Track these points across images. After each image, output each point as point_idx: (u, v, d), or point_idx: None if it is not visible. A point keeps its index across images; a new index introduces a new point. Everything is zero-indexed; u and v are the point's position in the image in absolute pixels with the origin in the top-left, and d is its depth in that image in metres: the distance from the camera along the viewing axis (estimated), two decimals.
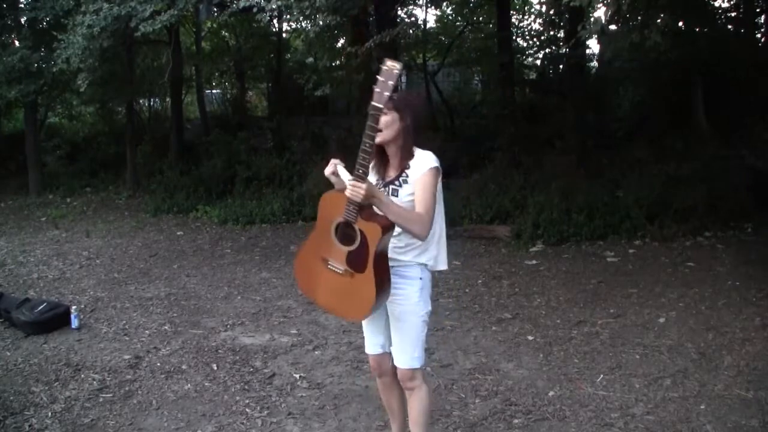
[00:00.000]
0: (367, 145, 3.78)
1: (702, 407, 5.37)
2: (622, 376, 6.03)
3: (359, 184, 3.76)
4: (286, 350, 6.93)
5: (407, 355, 4.21)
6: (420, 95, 4.28)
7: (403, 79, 23.25)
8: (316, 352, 6.85)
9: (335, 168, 4.14)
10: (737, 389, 5.68)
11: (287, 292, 9.00)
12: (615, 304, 8.04)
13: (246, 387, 6.07)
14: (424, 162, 4.05)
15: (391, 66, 3.71)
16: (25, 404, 5.82)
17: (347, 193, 3.80)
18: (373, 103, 3.74)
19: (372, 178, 4.13)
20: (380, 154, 4.16)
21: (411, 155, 4.11)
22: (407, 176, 4.08)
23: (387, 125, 4.00)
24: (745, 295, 8.06)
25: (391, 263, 4.07)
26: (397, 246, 4.13)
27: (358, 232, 3.91)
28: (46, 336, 7.48)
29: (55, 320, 7.72)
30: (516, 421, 5.28)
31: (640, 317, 7.53)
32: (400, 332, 4.20)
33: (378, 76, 3.72)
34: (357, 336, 7.03)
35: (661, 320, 7.38)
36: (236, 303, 8.68)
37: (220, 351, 6.97)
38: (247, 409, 5.62)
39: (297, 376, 6.27)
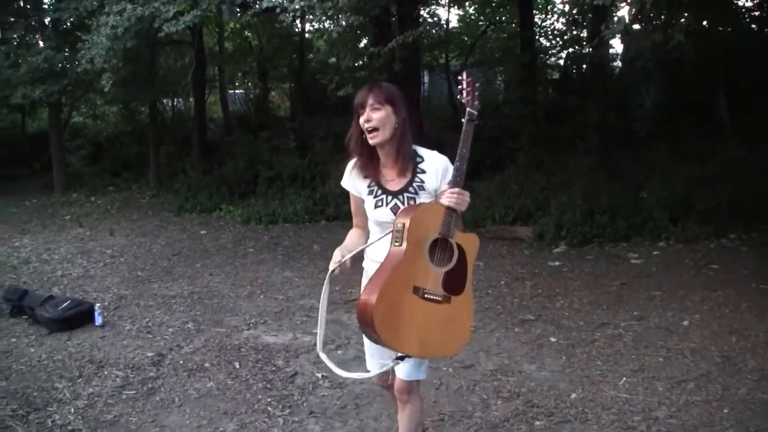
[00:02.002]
0: (464, 151, 3.50)
1: (725, 411, 5.33)
2: (645, 379, 5.99)
3: (463, 191, 3.50)
4: (308, 349, 6.93)
5: (415, 366, 3.94)
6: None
7: (426, 79, 23.25)
8: (338, 352, 6.85)
9: (344, 261, 3.77)
10: (760, 393, 5.63)
11: (310, 292, 9.01)
12: (638, 306, 8.00)
13: (268, 386, 6.08)
14: (444, 165, 3.78)
15: (470, 74, 3.64)
16: (48, 400, 5.84)
17: (450, 203, 3.46)
18: (470, 109, 3.54)
19: (358, 182, 3.93)
20: (370, 154, 3.85)
21: (413, 155, 3.84)
22: (422, 182, 3.78)
23: (382, 122, 3.70)
24: None
25: None
26: None
27: (456, 248, 3.54)
28: (69, 333, 7.53)
29: (79, 317, 7.76)
30: (538, 423, 5.26)
31: (663, 320, 7.48)
32: None
33: (462, 87, 3.60)
34: None
35: (685, 323, 7.34)
36: (259, 302, 8.71)
37: (242, 349, 6.98)
38: (269, 408, 5.62)
39: (319, 375, 6.26)
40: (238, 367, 6.53)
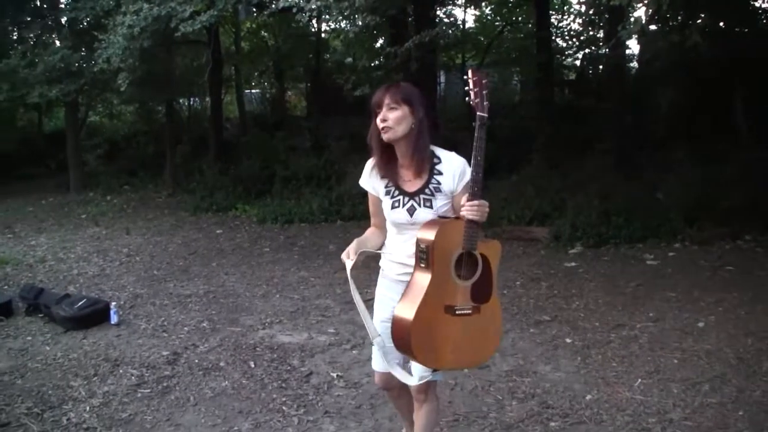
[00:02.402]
0: (479, 159, 3.44)
1: (740, 413, 5.31)
2: (660, 381, 5.97)
3: (483, 201, 3.45)
4: (323, 349, 6.94)
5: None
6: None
7: (442, 79, 23.25)
8: (354, 352, 6.86)
9: (356, 257, 3.78)
10: None
11: (325, 291, 9.02)
12: (654, 307, 7.97)
13: (283, 385, 6.08)
14: (461, 168, 3.75)
15: (475, 72, 3.53)
16: (63, 398, 5.86)
17: (472, 215, 3.43)
18: (480, 113, 3.45)
19: (377, 182, 3.93)
20: (388, 154, 3.84)
21: (430, 156, 3.80)
22: (439, 183, 3.75)
23: (398, 121, 3.69)
24: None
25: None
26: None
27: (479, 258, 3.56)
28: (85, 331, 7.55)
29: (95, 316, 7.79)
30: (553, 424, 5.25)
31: (678, 321, 7.46)
32: None
33: (469, 87, 3.51)
34: None
35: (700, 324, 7.32)
36: (274, 301, 8.72)
37: (257, 349, 6.99)
38: (283, 407, 5.63)
39: (334, 375, 6.27)
40: (253, 366, 6.54)
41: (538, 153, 14.34)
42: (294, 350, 6.92)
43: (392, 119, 3.69)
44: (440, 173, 3.76)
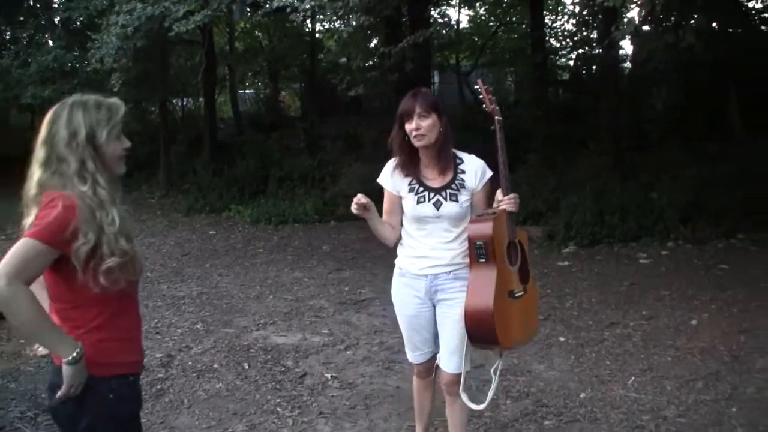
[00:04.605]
0: (504, 157, 3.90)
1: (734, 410, 5.32)
2: (653, 379, 5.99)
3: (516, 194, 3.93)
4: (317, 350, 6.93)
5: (461, 358, 4.12)
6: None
7: (436, 79, 23.28)
8: (348, 352, 6.85)
9: (366, 203, 3.99)
10: None
11: (319, 292, 9.02)
12: (647, 306, 7.99)
13: (277, 386, 6.08)
14: (482, 168, 4.12)
15: (483, 82, 4.02)
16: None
17: (512, 207, 3.91)
18: (498, 117, 3.92)
19: (399, 181, 4.13)
20: (411, 155, 4.07)
21: (453, 157, 4.09)
22: (463, 181, 4.05)
23: (430, 129, 3.93)
24: None
25: (451, 267, 4.06)
26: (458, 250, 4.05)
27: (518, 245, 4.01)
28: None
29: None
30: (547, 422, 5.26)
31: (672, 319, 7.47)
32: (458, 336, 4.04)
33: (482, 96, 3.95)
34: (389, 336, 7.05)
35: (694, 322, 7.33)
36: (268, 302, 8.71)
37: (251, 350, 6.98)
38: (278, 409, 5.62)
39: (328, 375, 6.26)
40: (247, 367, 6.53)
41: (533, 153, 14.34)
42: (288, 351, 6.91)
43: (425, 127, 3.94)
44: (464, 172, 4.09)
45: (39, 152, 2.88)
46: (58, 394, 2.77)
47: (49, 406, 3.02)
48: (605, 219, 11.13)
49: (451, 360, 4.14)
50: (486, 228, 3.83)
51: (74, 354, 2.69)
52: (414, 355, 4.36)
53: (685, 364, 6.29)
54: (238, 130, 22.96)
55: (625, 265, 9.84)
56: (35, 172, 2.86)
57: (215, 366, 6.58)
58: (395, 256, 4.23)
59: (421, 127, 3.91)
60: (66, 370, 2.71)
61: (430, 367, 4.39)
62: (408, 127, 3.96)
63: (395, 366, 6.34)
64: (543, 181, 13.06)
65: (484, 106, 4.03)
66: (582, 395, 5.70)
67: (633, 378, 6.00)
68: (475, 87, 4.09)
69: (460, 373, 4.14)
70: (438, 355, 4.25)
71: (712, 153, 12.82)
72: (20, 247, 2.59)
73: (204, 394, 5.97)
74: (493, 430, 5.20)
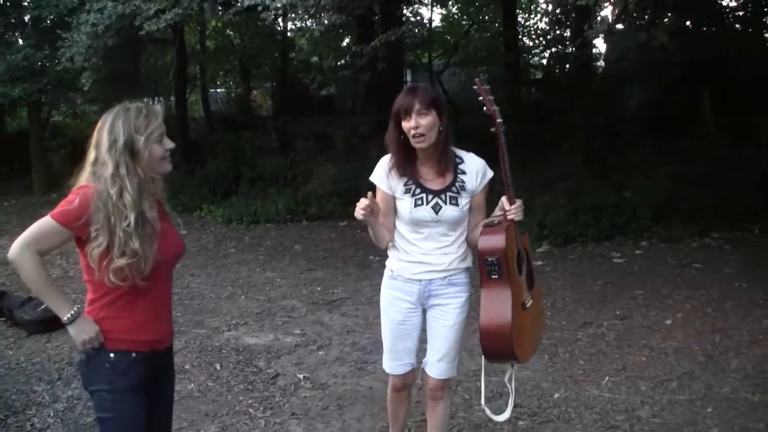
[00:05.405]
0: (508, 163, 3.81)
1: (708, 410, 5.33)
2: (628, 378, 5.98)
3: (521, 202, 3.88)
4: (289, 350, 6.89)
5: (451, 364, 4.08)
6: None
7: (408, 78, 23.28)
8: (320, 353, 6.81)
9: (374, 205, 3.74)
10: (744, 392, 5.64)
11: (291, 292, 8.97)
12: (621, 305, 7.99)
13: (249, 387, 6.04)
14: (483, 169, 4.02)
15: (479, 82, 3.75)
16: (27, 403, 5.79)
17: (519, 216, 3.86)
18: (499, 120, 3.79)
19: (394, 181, 3.93)
20: (408, 154, 3.87)
21: (453, 156, 3.93)
22: (463, 183, 3.91)
23: (430, 127, 3.74)
24: (753, 297, 7.97)
25: (447, 273, 3.96)
26: (455, 254, 3.96)
27: (524, 252, 3.93)
28: (48, 335, 7.45)
29: (58, 319, 7.65)
30: (521, 423, 5.24)
31: (646, 319, 7.48)
32: (449, 342, 4.01)
33: (482, 98, 3.74)
34: (361, 336, 7.03)
35: (668, 322, 7.34)
36: (240, 303, 8.66)
37: (223, 351, 6.94)
38: (250, 410, 5.59)
39: (301, 376, 6.23)
40: (219, 368, 6.49)
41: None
42: (260, 352, 6.87)
43: (424, 126, 3.74)
44: (464, 173, 3.94)
45: (90, 154, 3.29)
46: (78, 348, 3.34)
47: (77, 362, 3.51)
48: (579, 218, 11.14)
49: (438, 366, 4.05)
50: (498, 241, 3.72)
51: (68, 315, 3.30)
52: (392, 365, 4.16)
53: (659, 363, 6.29)
54: (209, 129, 22.86)
55: (599, 264, 9.84)
56: (86, 169, 3.29)
57: (187, 367, 6.53)
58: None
59: (420, 125, 3.71)
60: (69, 329, 3.32)
61: (406, 381, 4.21)
62: (405, 125, 3.76)
63: (368, 366, 6.29)
64: (516, 181, 13.00)
65: (484, 108, 3.80)
66: (556, 395, 5.69)
67: (607, 378, 6.00)
68: (473, 87, 3.82)
69: (447, 379, 4.11)
70: (424, 360, 4.14)
71: (686, 152, 12.84)
72: (40, 222, 3.16)
73: (175, 395, 5.89)
74: (467, 430, 5.17)
